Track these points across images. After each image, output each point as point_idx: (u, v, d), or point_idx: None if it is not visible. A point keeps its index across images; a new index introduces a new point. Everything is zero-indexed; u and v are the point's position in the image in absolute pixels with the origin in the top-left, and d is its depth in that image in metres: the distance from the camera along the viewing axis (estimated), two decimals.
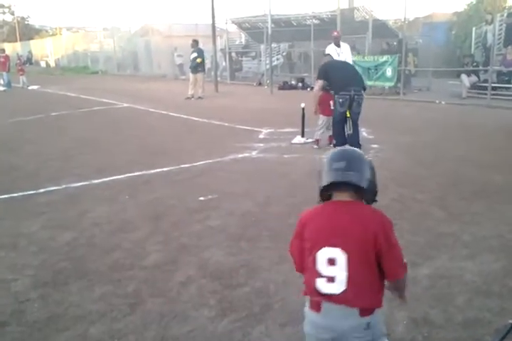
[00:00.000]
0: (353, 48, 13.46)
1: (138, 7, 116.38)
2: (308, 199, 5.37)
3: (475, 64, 14.04)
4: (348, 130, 7.53)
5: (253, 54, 23.81)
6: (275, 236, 4.35)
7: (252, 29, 22.05)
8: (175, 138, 9.27)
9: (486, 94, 12.82)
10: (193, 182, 6.20)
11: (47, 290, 3.48)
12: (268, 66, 19.01)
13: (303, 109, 8.34)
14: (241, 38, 26.35)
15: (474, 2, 21.46)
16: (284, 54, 23.07)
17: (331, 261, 1.99)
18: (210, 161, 7.23)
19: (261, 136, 9.15)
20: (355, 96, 7.38)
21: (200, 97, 15.92)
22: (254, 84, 20.64)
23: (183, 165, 7.00)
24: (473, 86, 13.85)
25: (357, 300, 1.97)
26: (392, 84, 15.00)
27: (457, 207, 5.06)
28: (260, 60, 22.04)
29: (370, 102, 11.46)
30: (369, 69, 15.17)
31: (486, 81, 13.25)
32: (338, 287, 1.97)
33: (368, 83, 15.02)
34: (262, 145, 8.32)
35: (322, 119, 7.97)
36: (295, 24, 20.23)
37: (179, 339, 2.90)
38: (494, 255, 3.87)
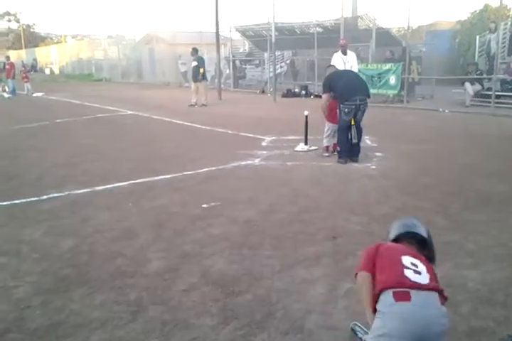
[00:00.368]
0: (356, 56, 13.47)
1: (143, 15, 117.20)
2: (310, 207, 5.39)
3: (479, 72, 14.05)
4: (353, 138, 7.53)
5: (257, 62, 23.91)
6: (278, 244, 4.34)
7: (256, 37, 22.14)
8: (178, 145, 9.28)
9: (489, 102, 12.81)
10: (196, 189, 6.20)
11: (48, 297, 3.47)
12: (271, 74, 19.07)
13: (306, 116, 8.34)
14: (245, 46, 26.46)
15: (478, 11, 21.52)
16: (288, 62, 23.16)
17: (414, 264, 2.41)
18: (213, 168, 7.23)
19: (264, 144, 9.15)
20: (361, 106, 7.37)
21: (203, 105, 15.97)
22: (258, 91, 20.70)
23: (186, 173, 7.00)
24: (477, 94, 13.86)
25: (437, 288, 2.36)
26: (395, 92, 15.02)
27: (461, 215, 5.03)
28: (264, 68, 22.14)
29: (374, 110, 11.46)
30: (373, 77, 15.20)
31: (489, 89, 13.25)
32: (424, 278, 2.34)
33: (372, 91, 15.04)
34: (265, 152, 8.32)
35: (328, 126, 7.96)
36: (299, 32, 20.29)
37: None
38: (498, 264, 3.85)
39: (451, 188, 6.01)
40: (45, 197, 5.94)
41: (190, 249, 4.28)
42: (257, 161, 7.70)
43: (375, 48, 16.01)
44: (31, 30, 63.72)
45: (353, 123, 7.44)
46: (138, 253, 4.20)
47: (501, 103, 12.99)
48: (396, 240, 2.70)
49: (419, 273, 2.37)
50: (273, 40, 17.72)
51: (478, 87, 13.80)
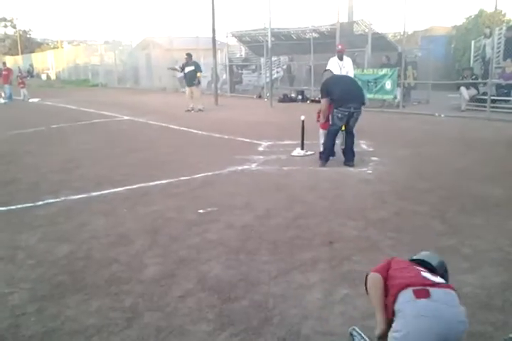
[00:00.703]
0: (352, 62, 13.49)
1: (139, 21, 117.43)
2: (307, 211, 5.38)
3: (474, 77, 14.10)
4: (341, 144, 7.76)
5: (253, 67, 23.94)
6: (274, 249, 4.33)
7: (252, 42, 22.18)
8: (174, 150, 9.27)
9: (485, 106, 12.85)
10: (192, 194, 6.18)
11: (44, 303, 3.45)
12: (268, 79, 19.10)
13: (303, 121, 8.35)
14: (241, 51, 26.51)
15: (473, 16, 21.63)
16: (284, 67, 23.20)
17: (431, 274, 2.48)
18: (210, 174, 7.22)
19: (261, 149, 9.15)
20: (354, 113, 7.43)
21: (200, 110, 15.97)
22: (255, 96, 20.72)
23: (182, 178, 6.98)
24: (473, 99, 13.90)
25: (454, 288, 2.39)
26: (391, 97, 15.05)
27: (457, 220, 5.03)
28: (260, 73, 22.16)
29: (370, 115, 11.51)
30: (369, 82, 15.23)
31: (485, 94, 13.29)
32: (440, 279, 2.39)
33: (368, 96, 15.08)
34: (261, 157, 8.32)
35: (323, 133, 7.95)
36: (295, 37, 20.35)
37: None
38: (495, 268, 3.84)
39: (447, 192, 6.01)
40: (40, 202, 5.92)
41: (186, 254, 4.27)
42: (253, 166, 7.69)
43: (370, 53, 16.05)
44: (28, 35, 63.76)
45: (343, 129, 7.54)
46: (134, 259, 4.18)
47: (496, 107, 13.03)
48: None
49: (435, 276, 2.42)
50: (269, 45, 17.75)
51: (473, 91, 13.85)
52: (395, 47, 17.11)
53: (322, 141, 7.95)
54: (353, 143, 7.64)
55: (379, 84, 15.04)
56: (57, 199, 6.03)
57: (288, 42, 20.43)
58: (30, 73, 42.19)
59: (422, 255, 2.72)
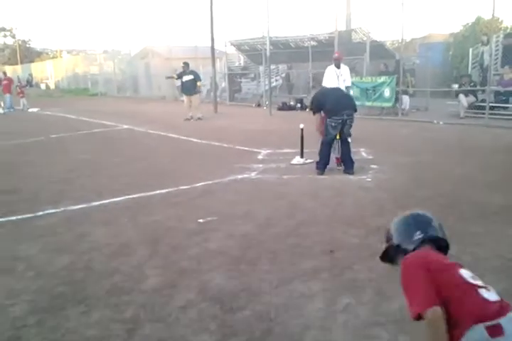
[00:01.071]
0: (352, 70, 13.54)
1: (138, 30, 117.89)
2: (307, 220, 5.37)
3: (472, 84, 14.15)
4: (337, 153, 7.79)
5: (252, 75, 24.02)
6: (275, 258, 4.32)
7: (251, 51, 22.28)
8: (174, 159, 9.28)
9: (483, 113, 12.88)
10: (192, 203, 6.18)
11: (44, 315, 3.43)
12: (267, 87, 19.16)
13: (302, 129, 8.37)
14: (240, 60, 26.61)
15: (470, 23, 21.74)
16: (283, 75, 23.28)
17: (471, 276, 2.04)
18: (210, 182, 7.22)
19: (260, 157, 9.16)
20: (347, 120, 7.52)
21: (199, 118, 16.00)
22: (254, 105, 20.77)
23: (182, 187, 6.98)
24: (471, 106, 13.94)
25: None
26: (390, 104, 15.09)
27: (457, 227, 5.01)
28: (259, 82, 22.23)
29: (369, 123, 11.55)
30: (367, 90, 15.29)
31: (483, 101, 13.33)
32: (494, 294, 1.98)
33: (367, 104, 15.16)
34: (261, 166, 8.32)
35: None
36: (293, 46, 20.45)
37: None
38: (495, 276, 3.83)
39: (447, 200, 6.01)
40: (41, 213, 5.91)
41: (187, 264, 4.26)
42: (253, 175, 7.70)
43: (369, 61, 16.12)
44: (27, 45, 63.96)
45: (337, 137, 7.61)
46: (134, 270, 4.17)
47: (495, 114, 13.07)
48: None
49: (486, 287, 1.99)
50: (268, 53, 17.83)
51: (472, 98, 13.89)
52: (393, 55, 17.18)
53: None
54: (349, 151, 7.67)
55: (378, 92, 15.08)
56: (58, 210, 6.02)
57: (286, 51, 20.51)
58: (29, 83, 42.31)
59: (432, 226, 2.44)
